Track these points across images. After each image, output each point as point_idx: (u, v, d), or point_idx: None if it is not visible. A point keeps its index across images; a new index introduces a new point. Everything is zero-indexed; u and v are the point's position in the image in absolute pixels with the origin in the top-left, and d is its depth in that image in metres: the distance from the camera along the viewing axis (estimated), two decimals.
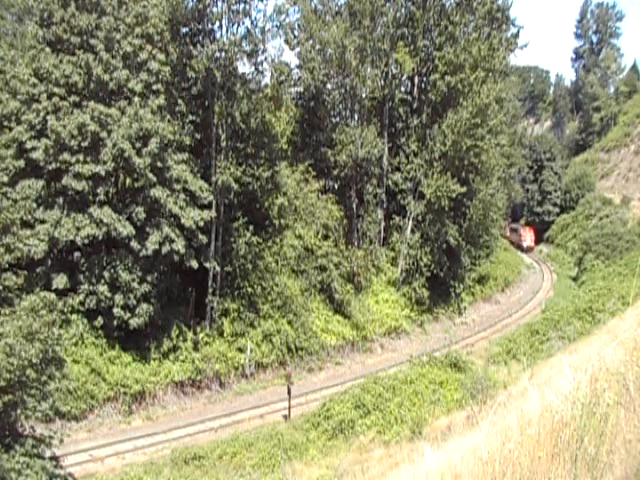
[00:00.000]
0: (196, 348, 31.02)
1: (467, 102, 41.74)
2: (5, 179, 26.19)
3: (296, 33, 43.78)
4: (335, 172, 42.65)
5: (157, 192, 27.80)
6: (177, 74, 31.29)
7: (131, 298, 27.44)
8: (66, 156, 26.27)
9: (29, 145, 26.70)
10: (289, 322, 34.92)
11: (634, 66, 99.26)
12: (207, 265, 30.69)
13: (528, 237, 78.39)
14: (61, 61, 27.26)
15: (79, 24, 27.34)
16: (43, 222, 26.46)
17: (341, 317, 39.08)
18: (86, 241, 26.73)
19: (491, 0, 46.05)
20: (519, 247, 76.17)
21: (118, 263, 27.37)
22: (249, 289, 33.58)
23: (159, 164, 28.06)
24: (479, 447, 3.83)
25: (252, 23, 31.23)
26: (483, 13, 45.45)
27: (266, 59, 32.15)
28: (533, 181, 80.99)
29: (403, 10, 45.51)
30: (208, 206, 30.53)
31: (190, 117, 31.98)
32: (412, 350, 38.17)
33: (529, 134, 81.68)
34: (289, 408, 28.60)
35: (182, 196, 29.25)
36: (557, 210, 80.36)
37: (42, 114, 26.65)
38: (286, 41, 42.80)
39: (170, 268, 29.75)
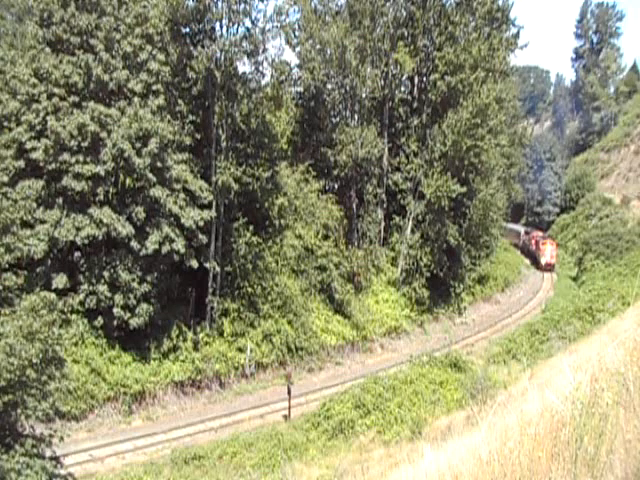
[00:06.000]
0: (196, 348, 31.02)
1: (467, 102, 41.74)
2: (5, 179, 26.18)
3: (296, 33, 43.76)
4: (335, 172, 42.63)
5: (157, 192, 27.80)
6: (177, 74, 31.27)
7: (131, 298, 27.43)
8: (66, 156, 26.26)
9: (29, 145, 26.68)
10: (289, 322, 34.91)
11: (634, 66, 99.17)
12: (207, 265, 30.68)
13: (548, 252, 65.11)
14: (61, 61, 27.24)
15: (79, 24, 27.32)
16: (43, 222, 26.44)
17: (341, 317, 39.08)
18: (86, 241, 26.72)
19: (491, 0, 46.06)
20: (535, 262, 66.82)
21: (118, 263, 27.37)
22: (249, 289, 33.57)
23: (159, 164, 28.05)
24: (479, 447, 3.83)
25: (253, 23, 31.26)
26: (483, 13, 45.43)
27: (266, 59, 32.16)
28: (533, 181, 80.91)
29: (403, 10, 45.47)
30: (208, 206, 30.52)
31: (190, 117, 31.95)
32: (412, 350, 38.15)
33: (529, 134, 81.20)
34: (289, 408, 28.60)
35: (182, 196, 29.24)
36: (557, 210, 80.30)
37: (42, 114, 26.63)
38: (287, 41, 42.81)
39: (170, 268, 29.74)
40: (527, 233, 73.77)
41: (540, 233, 72.19)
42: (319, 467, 22.05)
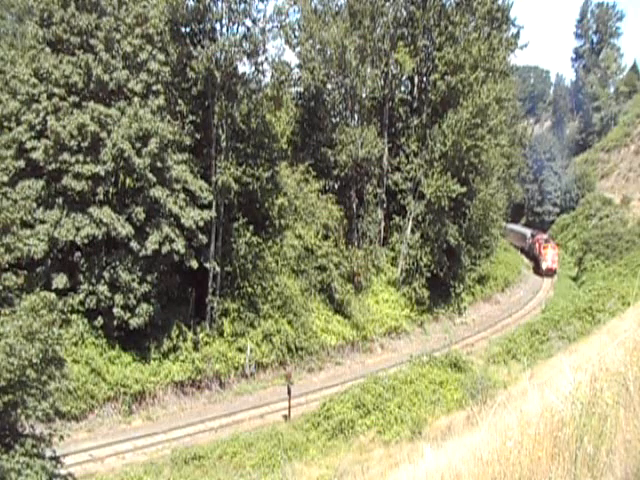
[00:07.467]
0: (196, 348, 31.02)
1: (467, 102, 41.72)
2: (5, 179, 26.20)
3: (296, 33, 43.77)
4: (335, 172, 42.62)
5: (157, 192, 27.80)
6: (177, 74, 31.26)
7: (131, 298, 27.43)
8: (66, 156, 26.26)
9: (29, 145, 26.69)
10: (289, 322, 34.91)
11: (634, 66, 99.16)
12: (207, 265, 30.68)
13: (550, 256, 61.35)
14: (61, 61, 27.24)
15: (79, 24, 27.32)
16: (43, 222, 26.45)
17: (341, 317, 39.07)
18: (86, 241, 26.72)
19: (491, 0, 46.06)
20: (537, 266, 63.62)
21: (118, 263, 27.37)
22: (249, 289, 33.57)
23: (159, 164, 28.05)
24: (479, 447, 3.83)
25: (253, 23, 31.24)
26: (483, 13, 45.43)
27: (266, 59, 32.17)
28: (533, 181, 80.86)
29: (403, 10, 45.46)
30: (208, 206, 30.52)
31: (190, 117, 31.94)
32: (412, 350, 38.14)
33: (529, 134, 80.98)
34: (289, 408, 28.60)
35: (182, 196, 29.25)
36: (557, 210, 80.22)
37: (42, 114, 26.64)
38: (287, 41, 42.80)
39: (170, 268, 29.74)
40: (533, 236, 69.61)
41: (544, 236, 68.60)
42: (319, 467, 22.05)
